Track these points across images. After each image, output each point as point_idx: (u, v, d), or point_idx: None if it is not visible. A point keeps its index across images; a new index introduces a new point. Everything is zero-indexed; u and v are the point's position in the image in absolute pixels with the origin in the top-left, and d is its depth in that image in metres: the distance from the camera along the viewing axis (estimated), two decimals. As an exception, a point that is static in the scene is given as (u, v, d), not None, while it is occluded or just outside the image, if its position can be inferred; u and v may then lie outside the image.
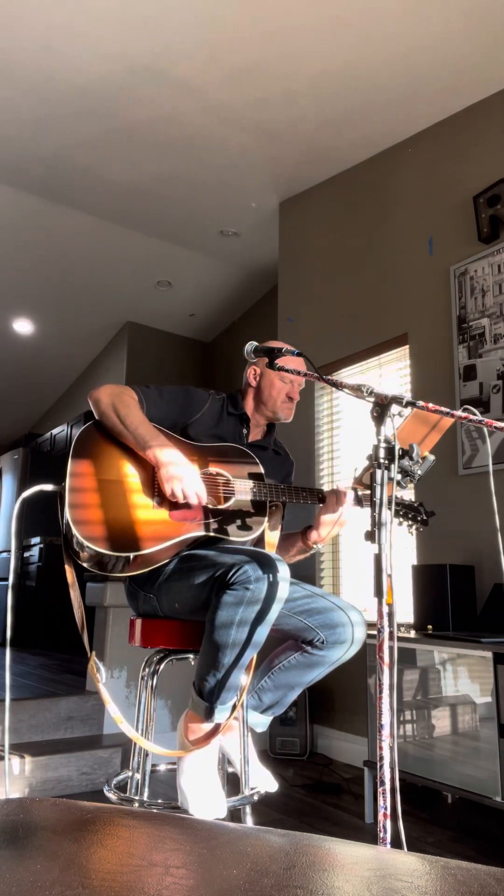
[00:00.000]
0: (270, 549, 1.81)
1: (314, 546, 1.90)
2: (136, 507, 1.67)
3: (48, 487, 1.69)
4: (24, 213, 4.56)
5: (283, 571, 1.57)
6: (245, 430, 1.97)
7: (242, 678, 1.62)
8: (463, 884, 0.57)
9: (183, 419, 1.85)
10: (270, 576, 1.54)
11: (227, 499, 1.76)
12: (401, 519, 1.73)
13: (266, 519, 1.78)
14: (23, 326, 6.15)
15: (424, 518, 1.69)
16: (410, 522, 1.71)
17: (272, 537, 1.83)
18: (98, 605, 3.37)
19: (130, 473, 1.71)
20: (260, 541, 1.80)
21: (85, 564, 1.66)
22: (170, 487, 1.65)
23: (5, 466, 6.98)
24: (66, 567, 1.70)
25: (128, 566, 1.65)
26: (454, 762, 2.25)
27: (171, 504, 1.70)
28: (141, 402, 1.79)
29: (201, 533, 1.70)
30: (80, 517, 1.61)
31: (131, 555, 1.61)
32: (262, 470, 1.83)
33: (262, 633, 1.57)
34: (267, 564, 1.55)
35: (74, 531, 1.58)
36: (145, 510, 1.68)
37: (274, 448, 2.06)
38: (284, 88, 3.31)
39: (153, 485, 1.71)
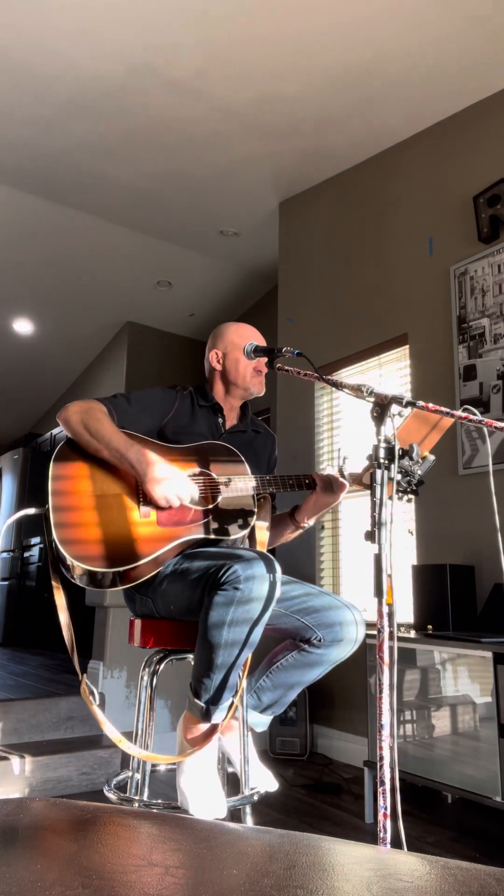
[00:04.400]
0: (262, 546, 1.80)
1: (306, 525, 1.89)
2: (123, 520, 1.66)
3: (31, 511, 1.69)
4: (24, 213, 4.56)
5: (274, 570, 1.56)
6: (220, 419, 1.95)
7: (238, 678, 1.62)
8: (463, 884, 0.57)
9: (156, 422, 1.84)
10: (261, 575, 1.52)
11: (213, 498, 1.75)
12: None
13: (255, 514, 1.77)
14: (23, 326, 6.14)
15: (414, 488, 1.67)
16: (401, 494, 1.69)
17: (262, 535, 1.81)
18: (98, 605, 3.37)
19: (113, 486, 1.69)
20: (252, 537, 1.79)
21: (77, 582, 1.65)
22: (161, 495, 1.64)
23: (5, 466, 6.98)
24: (55, 588, 1.67)
25: (121, 581, 1.64)
26: (454, 762, 2.25)
27: (159, 510, 1.69)
28: (111, 414, 1.76)
29: (191, 536, 1.69)
30: (67, 538, 1.60)
31: (123, 569, 1.60)
32: (245, 465, 1.81)
33: (256, 632, 1.56)
34: (257, 563, 1.54)
35: (64, 553, 1.57)
36: (132, 522, 1.66)
37: (253, 429, 2.03)
38: (284, 88, 3.31)
39: (137, 495, 1.70)
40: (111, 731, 1.65)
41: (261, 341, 1.92)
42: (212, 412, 1.95)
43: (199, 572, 1.62)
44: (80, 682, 1.69)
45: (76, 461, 1.72)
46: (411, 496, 1.65)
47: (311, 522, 1.90)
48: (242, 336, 1.94)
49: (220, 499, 1.75)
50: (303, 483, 1.80)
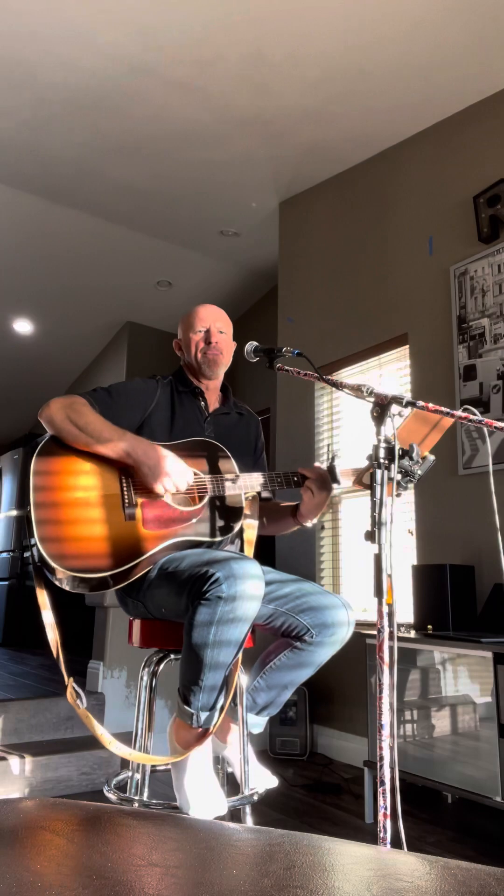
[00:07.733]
0: (249, 546, 1.78)
1: (308, 525, 1.88)
2: (108, 523, 1.62)
3: (13, 513, 1.66)
4: (24, 213, 4.56)
5: (257, 572, 1.54)
6: (203, 403, 1.94)
7: (227, 681, 1.60)
8: (463, 884, 0.57)
9: (139, 414, 1.80)
10: (244, 578, 1.50)
11: (200, 498, 1.71)
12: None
13: (243, 513, 1.75)
14: (23, 326, 6.14)
15: (418, 473, 1.66)
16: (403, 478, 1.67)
17: (250, 534, 1.79)
18: (98, 606, 3.37)
19: (97, 488, 1.64)
20: (240, 536, 1.78)
21: (66, 588, 1.60)
22: (160, 485, 1.62)
23: (5, 466, 6.97)
24: (37, 588, 1.62)
25: (111, 584, 1.61)
26: (454, 762, 2.25)
27: (146, 509, 1.66)
28: (93, 407, 1.72)
29: (177, 539, 1.66)
30: (51, 545, 1.55)
31: (115, 572, 1.58)
32: (233, 463, 1.79)
33: (242, 634, 1.54)
34: (240, 567, 1.51)
35: (49, 561, 1.53)
36: (118, 525, 1.62)
37: (237, 411, 2.01)
38: (284, 88, 3.31)
39: (123, 495, 1.65)
40: (103, 732, 1.62)
41: (207, 317, 1.92)
42: (193, 396, 1.93)
43: (184, 577, 1.59)
44: (80, 681, 1.68)
45: (57, 463, 1.65)
46: (413, 479, 1.64)
47: (315, 521, 1.89)
48: (189, 316, 1.96)
49: (206, 499, 1.72)
50: (291, 480, 1.78)
